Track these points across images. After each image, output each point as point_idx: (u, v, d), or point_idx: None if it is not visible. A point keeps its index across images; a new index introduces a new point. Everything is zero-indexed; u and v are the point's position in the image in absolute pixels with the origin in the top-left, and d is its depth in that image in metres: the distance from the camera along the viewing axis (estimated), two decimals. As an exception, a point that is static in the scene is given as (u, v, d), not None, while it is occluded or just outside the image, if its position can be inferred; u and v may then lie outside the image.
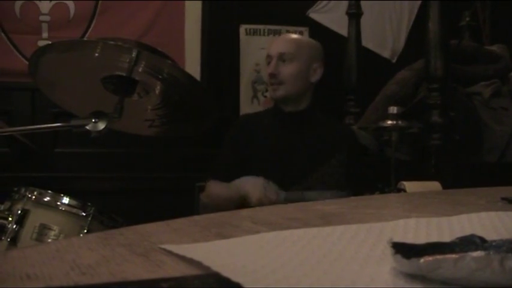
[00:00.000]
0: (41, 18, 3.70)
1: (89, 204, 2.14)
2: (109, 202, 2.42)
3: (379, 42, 4.33)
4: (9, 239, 2.06)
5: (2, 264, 0.65)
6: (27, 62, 2.89)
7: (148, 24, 3.82)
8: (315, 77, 2.63)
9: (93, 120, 1.78)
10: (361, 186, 2.44)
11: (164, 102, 2.03)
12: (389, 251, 0.54)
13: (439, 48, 2.89)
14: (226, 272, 0.50)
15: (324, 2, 4.25)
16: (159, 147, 3.81)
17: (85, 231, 2.10)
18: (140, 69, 1.86)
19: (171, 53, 2.19)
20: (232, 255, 0.61)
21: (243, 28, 4.07)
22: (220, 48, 4.07)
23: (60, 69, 2.01)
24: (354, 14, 3.76)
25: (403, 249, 0.53)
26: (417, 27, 4.23)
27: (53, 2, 3.72)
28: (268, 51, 2.62)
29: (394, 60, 4.38)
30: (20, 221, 2.08)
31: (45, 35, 3.70)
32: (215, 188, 2.53)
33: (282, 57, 2.56)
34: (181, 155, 3.94)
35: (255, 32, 4.09)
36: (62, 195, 2.15)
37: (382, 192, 2.31)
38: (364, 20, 3.81)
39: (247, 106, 4.04)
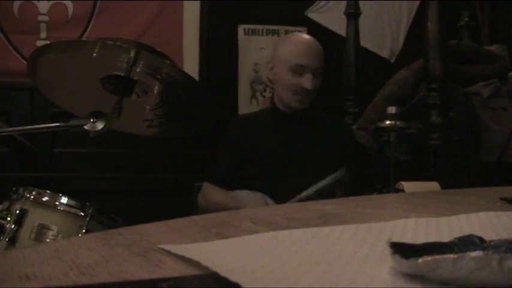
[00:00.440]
0: (40, 18, 3.70)
1: (88, 204, 2.14)
2: (108, 202, 2.42)
3: (377, 42, 4.33)
4: (7, 239, 2.06)
5: (0, 264, 0.65)
6: (25, 62, 2.89)
7: (146, 24, 3.81)
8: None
9: (92, 120, 1.78)
10: (360, 186, 2.44)
11: (163, 102, 2.03)
12: (388, 251, 0.54)
13: (437, 48, 2.89)
14: (225, 272, 0.50)
15: (323, 2, 4.25)
16: (157, 147, 3.81)
17: (84, 231, 2.10)
18: (139, 69, 1.86)
19: (170, 53, 2.19)
20: (231, 255, 0.61)
21: (241, 28, 4.07)
22: (219, 48, 4.07)
23: (58, 69, 2.01)
24: (353, 14, 3.76)
25: (402, 249, 0.53)
26: (416, 27, 4.24)
27: (52, 2, 3.72)
28: (301, 62, 2.53)
29: (392, 60, 4.38)
30: (19, 221, 2.08)
31: (43, 35, 3.69)
32: (215, 195, 2.52)
33: (316, 72, 2.54)
34: (179, 155, 3.94)
35: (253, 32, 4.09)
36: (61, 195, 2.14)
37: (381, 192, 2.31)
38: (362, 20, 3.81)
39: (245, 106, 4.04)
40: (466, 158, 3.04)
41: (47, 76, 2.05)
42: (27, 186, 2.16)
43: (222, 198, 2.46)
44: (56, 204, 2.13)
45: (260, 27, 4.10)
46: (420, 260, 0.50)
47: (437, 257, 0.50)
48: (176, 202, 2.85)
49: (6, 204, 2.13)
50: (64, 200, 2.13)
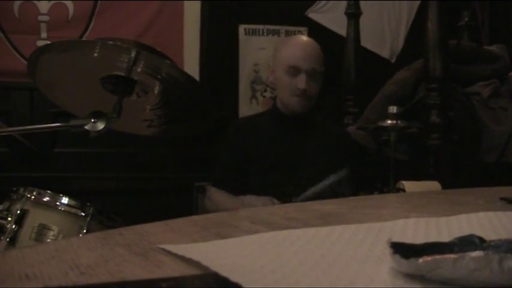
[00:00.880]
0: (40, 18, 3.70)
1: (88, 204, 2.14)
2: (108, 202, 2.42)
3: (378, 42, 4.33)
4: (8, 239, 2.05)
5: (1, 264, 0.65)
6: (26, 62, 2.89)
7: (147, 24, 3.82)
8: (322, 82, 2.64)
9: (92, 120, 1.78)
10: (359, 186, 2.44)
11: (163, 102, 2.03)
12: (388, 251, 0.54)
13: (437, 48, 2.89)
14: (225, 272, 0.50)
15: (323, 2, 4.25)
16: (157, 147, 3.81)
17: (84, 231, 2.10)
18: (139, 69, 1.86)
19: (170, 53, 2.19)
20: (231, 255, 0.61)
21: (242, 28, 4.07)
22: (219, 48, 4.07)
23: (59, 69, 2.01)
24: (353, 14, 3.76)
25: (402, 249, 0.53)
26: (416, 27, 4.24)
27: (52, 2, 3.72)
28: (296, 63, 2.55)
29: (393, 60, 4.38)
30: (19, 221, 2.08)
31: (44, 35, 3.70)
32: (223, 200, 2.52)
33: (312, 73, 2.54)
34: (180, 155, 3.94)
35: (253, 32, 4.09)
36: (61, 195, 2.14)
37: (381, 192, 2.31)
38: (363, 20, 3.81)
39: (246, 106, 4.04)
40: (465, 157, 3.04)
41: (47, 76, 2.05)
42: (27, 186, 2.16)
43: (231, 204, 2.46)
44: (57, 205, 2.13)
45: (260, 27, 4.10)
46: (420, 260, 0.50)
47: (437, 257, 0.50)
48: (176, 202, 2.85)
49: (6, 204, 2.13)
50: (64, 200, 2.13)
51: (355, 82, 3.72)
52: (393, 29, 4.39)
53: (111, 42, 1.88)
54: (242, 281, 0.47)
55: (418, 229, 0.78)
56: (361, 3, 3.79)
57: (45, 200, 2.14)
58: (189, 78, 1.96)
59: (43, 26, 3.70)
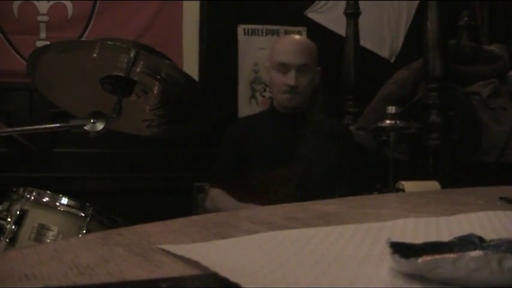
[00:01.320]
0: (39, 18, 3.70)
1: (88, 204, 2.14)
2: (107, 202, 2.42)
3: (377, 41, 4.33)
4: (7, 240, 2.05)
5: (0, 264, 0.65)
6: (25, 63, 2.89)
7: (146, 25, 3.82)
8: (318, 79, 2.65)
9: (92, 121, 1.78)
10: (359, 186, 2.44)
11: (162, 103, 2.03)
12: (387, 250, 0.54)
13: (437, 48, 2.89)
14: (224, 272, 0.50)
15: (322, 2, 4.25)
16: (157, 148, 3.81)
17: (84, 231, 2.10)
18: (138, 70, 1.86)
19: (169, 53, 2.19)
20: (230, 255, 0.61)
21: (241, 28, 4.07)
22: (219, 48, 4.07)
23: (58, 70, 2.01)
24: (352, 14, 3.76)
25: (402, 249, 0.53)
26: (415, 27, 4.23)
27: (51, 3, 3.72)
28: (284, 60, 2.57)
29: (392, 60, 4.38)
30: (19, 221, 2.08)
31: (43, 35, 3.69)
32: (225, 205, 2.51)
33: (301, 69, 2.56)
34: (179, 155, 3.94)
35: (253, 32, 4.09)
36: (61, 195, 2.14)
37: (381, 192, 2.31)
38: (362, 20, 3.81)
39: (245, 106, 4.04)
40: (465, 157, 3.04)
41: (46, 76, 2.05)
42: (27, 187, 2.16)
43: (231, 206, 2.46)
44: (56, 205, 2.13)
45: (260, 27, 4.10)
46: (420, 259, 0.50)
47: (436, 256, 0.50)
48: (176, 202, 2.85)
49: (6, 204, 2.13)
50: (64, 200, 2.13)
51: (355, 82, 3.73)
52: (392, 29, 4.39)
53: (110, 43, 1.88)
54: (242, 281, 0.47)
55: (417, 229, 0.78)
56: (361, 3, 3.79)
57: (44, 200, 2.14)
58: (189, 78, 1.96)
59: (42, 26, 3.70)
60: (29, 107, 3.76)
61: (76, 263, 0.62)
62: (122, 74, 1.86)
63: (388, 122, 2.43)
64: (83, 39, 3.52)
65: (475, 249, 0.54)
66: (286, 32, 4.06)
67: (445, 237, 0.61)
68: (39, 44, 3.49)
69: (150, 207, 3.08)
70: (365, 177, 2.64)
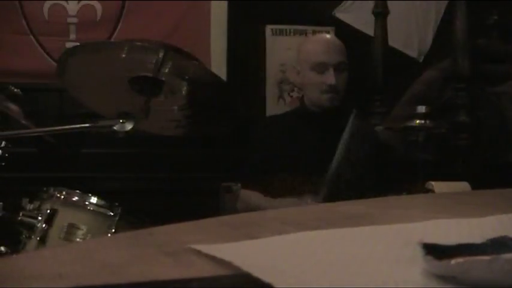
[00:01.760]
0: (69, 20, 3.74)
1: (116, 204, 2.16)
2: (135, 202, 2.43)
3: (405, 41, 4.30)
4: (38, 238, 2.08)
5: (33, 263, 0.66)
6: (55, 64, 2.92)
7: (174, 25, 3.83)
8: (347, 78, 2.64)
9: (121, 121, 1.80)
10: (387, 187, 2.43)
11: (190, 103, 2.04)
12: (419, 252, 0.53)
13: (466, 47, 2.86)
14: (257, 272, 0.50)
15: (350, 2, 4.23)
16: (185, 148, 3.82)
17: (112, 230, 2.12)
18: (166, 70, 1.87)
19: (197, 53, 2.20)
20: (262, 255, 0.61)
21: (268, 28, 4.06)
22: (246, 49, 4.07)
23: (87, 71, 2.04)
24: (380, 13, 3.73)
25: (435, 251, 0.52)
26: (444, 26, 4.19)
27: (81, 4, 3.75)
28: (321, 59, 2.56)
29: (421, 60, 4.35)
30: (49, 220, 2.11)
31: (72, 36, 3.73)
32: (255, 205, 2.51)
33: (338, 67, 2.55)
34: (207, 155, 3.95)
35: (281, 33, 4.08)
36: (90, 195, 2.17)
37: (410, 193, 2.29)
38: (390, 19, 3.78)
39: (273, 106, 4.03)
40: (495, 158, 3.01)
41: (75, 77, 2.08)
42: (57, 186, 2.18)
43: (265, 205, 2.46)
44: (86, 204, 2.15)
45: (287, 27, 4.09)
46: (453, 261, 0.50)
47: (470, 258, 0.49)
48: (203, 202, 2.86)
49: (36, 203, 2.16)
50: (93, 199, 2.15)
51: (383, 82, 3.70)
52: (421, 28, 4.36)
53: (139, 43, 1.90)
54: (274, 281, 0.47)
55: (449, 230, 0.77)
56: (389, 3, 3.76)
57: (74, 199, 2.17)
58: (216, 78, 1.98)
59: (72, 27, 3.74)
60: (58, 107, 3.80)
61: (108, 263, 0.62)
62: (150, 75, 1.88)
63: (417, 122, 2.41)
64: (111, 40, 3.55)
65: (509, 251, 0.53)
66: (314, 32, 4.04)
67: (477, 239, 0.60)
68: (69, 45, 3.52)
69: (177, 208, 3.10)
70: (393, 178, 2.62)
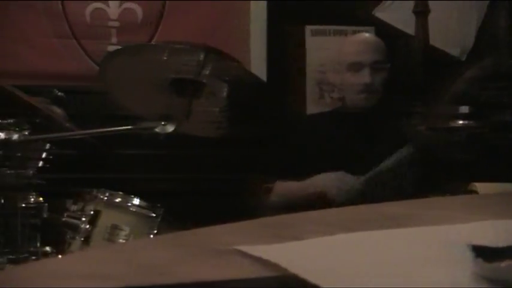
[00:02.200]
0: (110, 24, 3.78)
1: (159, 205, 2.17)
2: (176, 203, 2.45)
3: (447, 40, 4.24)
4: (82, 239, 2.11)
5: (81, 263, 0.66)
6: (97, 67, 2.96)
7: (214, 26, 3.84)
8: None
9: (162, 123, 1.82)
10: (430, 188, 2.40)
11: (231, 104, 2.05)
12: (468, 254, 0.53)
13: (509, 45, 2.81)
14: (304, 274, 0.50)
15: (390, 1, 4.19)
16: (225, 148, 3.83)
17: (154, 231, 2.13)
18: (207, 72, 1.88)
19: (236, 54, 2.21)
20: (308, 256, 0.61)
21: (308, 29, 4.05)
22: (286, 49, 4.06)
23: (128, 73, 2.05)
24: (421, 12, 3.69)
25: (484, 253, 0.52)
26: (487, 24, 4.13)
27: (122, 8, 3.79)
28: (356, 59, 2.55)
29: (463, 58, 4.28)
30: (92, 221, 2.13)
31: (114, 40, 3.77)
32: (287, 186, 2.52)
33: (374, 66, 2.54)
34: (248, 155, 3.95)
35: (320, 33, 4.07)
36: (133, 196, 2.19)
37: (453, 194, 2.26)
38: (431, 18, 3.74)
39: (313, 107, 4.02)
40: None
41: (117, 80, 2.10)
42: (100, 188, 2.21)
43: (296, 187, 2.46)
44: (128, 206, 2.17)
45: (327, 28, 4.07)
46: (503, 264, 0.49)
47: (521, 260, 0.49)
48: (244, 203, 2.86)
49: (80, 205, 2.19)
50: (136, 201, 2.17)
51: (424, 81, 3.66)
52: (463, 27, 4.29)
53: (179, 46, 1.91)
54: (321, 282, 0.47)
55: (496, 232, 0.75)
56: (430, 2, 3.72)
57: (117, 201, 2.19)
58: (257, 79, 1.98)
59: (113, 31, 3.78)
60: (100, 110, 3.85)
61: (154, 263, 0.63)
62: (191, 77, 1.89)
63: (459, 122, 2.38)
64: (152, 42, 3.58)
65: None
66: (354, 32, 4.01)
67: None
68: (110, 48, 3.56)
69: (218, 209, 3.10)
70: (436, 179, 2.59)
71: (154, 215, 2.15)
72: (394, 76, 2.68)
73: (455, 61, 4.18)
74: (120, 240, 2.13)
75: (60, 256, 2.05)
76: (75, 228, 2.12)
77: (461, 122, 2.37)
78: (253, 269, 0.58)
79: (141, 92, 2.16)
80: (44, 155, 2.23)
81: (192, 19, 3.81)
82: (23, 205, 2.13)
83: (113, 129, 2.07)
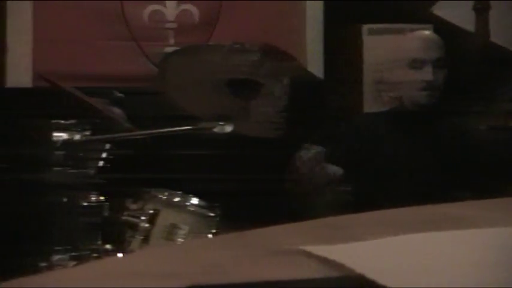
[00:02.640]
0: (167, 25, 3.83)
1: (217, 205, 2.19)
2: (233, 203, 2.46)
3: (509, 36, 4.15)
4: (141, 237, 2.14)
5: (143, 262, 0.67)
6: (155, 68, 2.99)
7: (270, 26, 3.84)
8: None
9: (220, 123, 1.83)
10: (489, 189, 2.35)
11: (288, 104, 2.04)
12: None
13: None
14: (371, 274, 0.49)
15: (449, -1, 4.13)
16: (282, 149, 3.83)
17: (213, 231, 2.15)
18: (265, 72, 1.88)
19: (293, 53, 2.20)
20: (374, 257, 0.60)
21: (365, 28, 4.02)
22: (343, 49, 4.04)
23: (186, 74, 2.07)
24: (482, 9, 3.62)
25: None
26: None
27: (179, 9, 3.83)
28: (418, 55, 2.52)
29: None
30: (152, 220, 2.16)
31: (171, 41, 3.81)
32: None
33: (436, 64, 2.50)
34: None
35: (378, 32, 4.03)
36: (191, 195, 2.21)
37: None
38: (492, 14, 3.66)
39: (370, 106, 3.98)
40: None
41: (175, 80, 2.12)
42: (159, 187, 2.24)
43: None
44: (187, 205, 2.19)
45: (385, 26, 4.03)
46: None
47: None
48: (300, 203, 2.86)
49: (140, 204, 2.22)
50: (194, 200, 2.19)
51: (484, 79, 3.59)
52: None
53: (237, 46, 1.92)
54: (389, 283, 0.47)
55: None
56: (490, -1, 3.65)
57: (175, 200, 2.21)
58: (315, 78, 1.97)
59: (171, 32, 3.82)
60: (159, 110, 3.90)
61: (218, 262, 0.63)
62: (248, 77, 1.89)
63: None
64: (209, 43, 3.61)
65: None
66: (412, 30, 3.96)
67: None
68: (168, 49, 3.60)
69: (275, 209, 3.10)
70: (497, 179, 2.53)
71: (212, 214, 2.16)
72: (454, 74, 2.62)
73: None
74: (179, 240, 2.15)
75: (121, 254, 2.09)
76: (135, 227, 2.16)
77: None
78: (319, 269, 0.57)
79: (199, 92, 2.18)
80: (104, 155, 2.27)
81: (248, 19, 3.83)
82: (85, 204, 2.17)
83: (171, 129, 2.09)
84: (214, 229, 2.14)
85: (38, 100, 3.88)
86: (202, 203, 2.18)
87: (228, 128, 1.81)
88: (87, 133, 2.14)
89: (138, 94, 3.85)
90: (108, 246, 2.17)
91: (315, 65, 3.81)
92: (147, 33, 3.79)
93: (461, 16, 3.99)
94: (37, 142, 2.35)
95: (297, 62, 1.89)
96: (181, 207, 2.20)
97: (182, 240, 2.16)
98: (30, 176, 2.57)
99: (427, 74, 2.47)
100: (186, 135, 3.54)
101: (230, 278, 0.57)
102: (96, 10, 3.69)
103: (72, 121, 2.14)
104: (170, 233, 2.15)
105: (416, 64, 2.50)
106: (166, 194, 2.20)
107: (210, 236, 2.11)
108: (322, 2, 3.95)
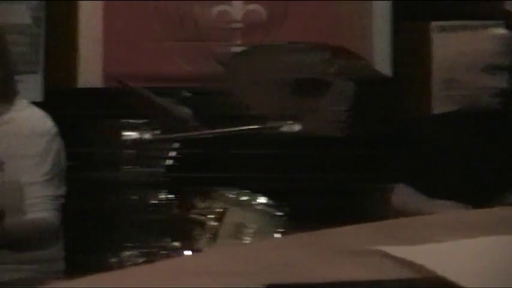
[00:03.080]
0: (234, 25, 3.85)
1: (284, 204, 2.19)
2: (301, 203, 2.45)
3: None
4: (209, 236, 2.16)
5: (217, 261, 0.68)
6: (222, 67, 3.02)
7: (337, 25, 3.82)
8: None
9: (288, 122, 1.83)
10: None
11: (356, 103, 2.03)
12: None
13: None
14: (453, 276, 0.48)
15: (522, -6, 4.01)
16: (347, 148, 3.80)
17: (280, 230, 2.15)
18: (333, 71, 1.87)
19: (360, 52, 2.18)
20: (453, 259, 0.59)
21: (434, 25, 3.95)
22: (412, 47, 3.97)
23: (253, 73, 2.08)
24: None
25: None
26: None
27: (246, 9, 3.85)
28: (496, 61, 2.43)
29: None
30: (219, 218, 2.18)
31: (238, 41, 3.84)
32: (412, 202, 2.45)
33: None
34: (371, 155, 3.90)
35: (447, 29, 3.95)
36: (259, 194, 2.21)
37: None
38: None
39: (439, 106, 3.91)
40: None
41: (242, 80, 2.13)
42: (226, 186, 2.26)
43: (422, 207, 2.40)
44: (254, 204, 2.20)
45: (455, 23, 3.95)
46: None
47: None
48: (368, 203, 2.83)
49: (208, 202, 2.24)
50: (262, 199, 2.20)
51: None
52: None
53: (304, 45, 1.91)
54: (471, 285, 0.46)
55: None
56: None
57: (243, 199, 2.22)
58: (383, 77, 1.94)
59: (237, 32, 3.85)
60: (226, 109, 3.92)
61: (292, 262, 0.63)
62: (316, 76, 1.89)
63: None
64: (276, 43, 3.61)
65: None
66: (483, 27, 3.86)
67: None
68: (235, 49, 3.62)
69: (343, 208, 3.08)
70: None
71: (280, 213, 2.16)
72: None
73: None
74: (246, 239, 2.16)
75: (189, 252, 2.12)
76: (202, 225, 2.18)
77: None
78: (396, 270, 0.57)
79: (266, 91, 2.18)
80: (173, 154, 2.30)
81: (315, 18, 3.81)
82: (154, 201, 2.21)
83: (239, 128, 2.11)
84: (282, 228, 2.14)
85: (108, 100, 3.97)
86: (270, 202, 2.19)
87: (296, 127, 1.81)
88: (157, 132, 2.17)
89: (205, 94, 3.90)
90: (176, 244, 2.20)
91: (383, 65, 3.76)
92: (214, 34, 3.83)
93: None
94: (108, 141, 2.40)
95: (365, 61, 1.87)
96: (248, 206, 2.20)
97: (249, 239, 2.17)
98: (101, 174, 2.64)
99: (502, 81, 2.39)
100: (254, 134, 3.57)
101: (305, 278, 0.57)
102: (164, 11, 3.76)
103: (142, 120, 2.18)
104: (237, 231, 2.16)
105: (491, 69, 2.41)
106: (234, 192, 2.22)
107: (277, 235, 2.11)
108: (390, 2, 3.90)
